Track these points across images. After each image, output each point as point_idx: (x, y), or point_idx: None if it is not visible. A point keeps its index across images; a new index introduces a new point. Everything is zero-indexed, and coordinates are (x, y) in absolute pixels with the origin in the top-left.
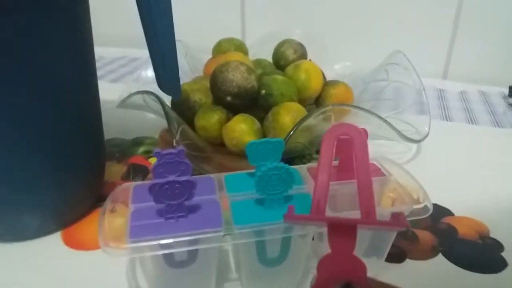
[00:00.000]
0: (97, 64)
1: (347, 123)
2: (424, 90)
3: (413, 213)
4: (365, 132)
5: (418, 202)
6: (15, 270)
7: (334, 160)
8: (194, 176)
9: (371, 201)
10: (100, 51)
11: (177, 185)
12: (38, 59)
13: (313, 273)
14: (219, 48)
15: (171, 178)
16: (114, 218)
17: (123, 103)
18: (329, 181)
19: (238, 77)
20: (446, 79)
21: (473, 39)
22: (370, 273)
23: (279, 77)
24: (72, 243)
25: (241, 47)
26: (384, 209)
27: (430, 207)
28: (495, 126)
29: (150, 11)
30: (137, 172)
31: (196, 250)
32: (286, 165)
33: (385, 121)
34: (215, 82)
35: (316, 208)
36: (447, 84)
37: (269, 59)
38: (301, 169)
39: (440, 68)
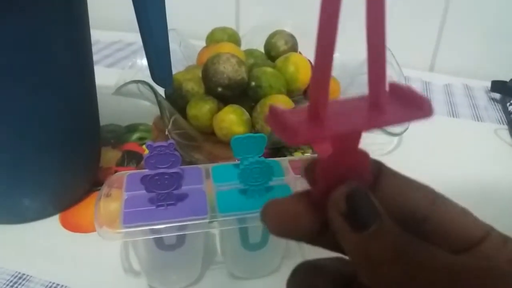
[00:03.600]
0: (93, 49)
1: None
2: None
3: None
4: None
5: None
6: (15, 250)
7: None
8: (184, 167)
9: (382, 85)
10: (96, 35)
11: (166, 177)
12: (35, 44)
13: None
14: (213, 37)
15: (161, 170)
16: (109, 203)
17: (118, 91)
18: (331, 70)
19: (228, 69)
20: (433, 72)
21: (460, 33)
22: None
23: (268, 70)
24: (69, 225)
25: (234, 37)
26: None
27: None
28: (475, 120)
29: (145, 10)
30: (131, 158)
31: (184, 235)
32: (267, 160)
33: None
34: (207, 73)
35: (314, 115)
36: (433, 77)
37: (261, 48)
38: (283, 161)
39: (427, 60)
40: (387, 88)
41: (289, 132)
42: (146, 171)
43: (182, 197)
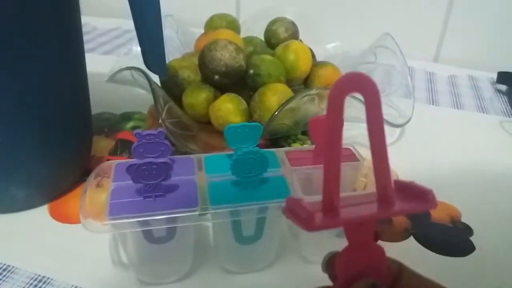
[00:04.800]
0: (90, 36)
1: (357, 73)
2: (410, 74)
3: None
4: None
5: None
6: (3, 240)
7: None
8: (175, 156)
9: (387, 180)
10: (93, 22)
11: (154, 166)
12: (20, 30)
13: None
14: (211, 24)
15: (149, 159)
16: (99, 193)
17: (112, 78)
18: (340, 167)
19: (226, 56)
20: (438, 62)
21: (466, 23)
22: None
23: (267, 57)
24: (58, 216)
25: (233, 23)
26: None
27: None
28: (480, 112)
29: None
30: (125, 147)
31: (174, 227)
32: (261, 150)
33: None
34: (203, 60)
35: (328, 206)
36: (438, 68)
37: (262, 36)
38: (279, 152)
39: (432, 51)
40: (392, 184)
41: (306, 221)
42: (133, 160)
43: (171, 188)
